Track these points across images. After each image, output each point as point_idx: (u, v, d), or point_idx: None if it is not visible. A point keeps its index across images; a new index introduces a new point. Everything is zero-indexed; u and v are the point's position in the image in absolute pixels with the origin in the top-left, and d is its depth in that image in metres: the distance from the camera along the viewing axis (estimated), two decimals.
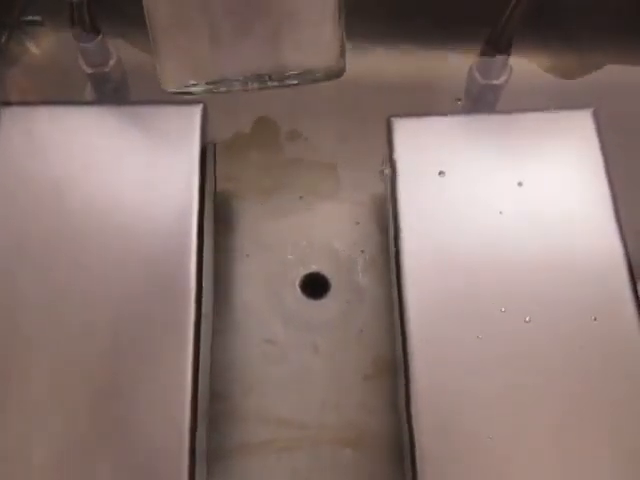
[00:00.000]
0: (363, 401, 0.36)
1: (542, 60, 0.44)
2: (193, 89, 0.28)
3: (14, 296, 0.32)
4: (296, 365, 0.36)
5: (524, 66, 0.43)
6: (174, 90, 0.28)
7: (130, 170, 0.35)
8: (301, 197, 0.41)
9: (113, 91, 0.40)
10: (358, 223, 0.40)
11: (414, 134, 0.36)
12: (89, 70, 0.39)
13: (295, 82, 0.28)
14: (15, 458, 0.29)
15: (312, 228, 0.40)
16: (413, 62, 0.44)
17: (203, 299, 0.33)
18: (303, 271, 0.39)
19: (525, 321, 0.32)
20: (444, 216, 0.34)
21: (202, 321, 0.32)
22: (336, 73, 0.28)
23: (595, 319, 0.32)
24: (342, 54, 0.27)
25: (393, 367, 0.36)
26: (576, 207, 0.34)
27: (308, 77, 0.28)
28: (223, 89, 0.28)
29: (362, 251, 0.39)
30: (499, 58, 0.37)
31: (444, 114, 0.36)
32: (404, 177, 0.35)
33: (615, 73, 0.44)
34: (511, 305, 0.32)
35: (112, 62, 0.39)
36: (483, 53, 0.38)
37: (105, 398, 0.30)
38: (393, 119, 0.36)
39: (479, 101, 0.40)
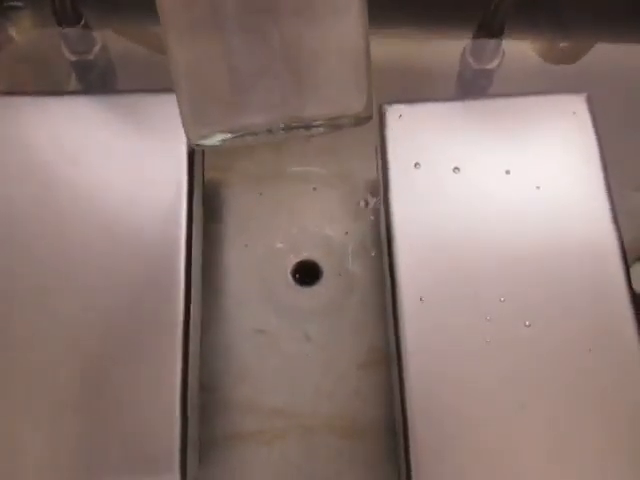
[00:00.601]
0: (356, 389, 0.36)
1: (535, 44, 0.44)
2: (218, 140, 0.26)
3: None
4: (288, 354, 0.36)
5: (517, 50, 0.42)
6: (200, 142, 0.26)
7: (117, 160, 0.34)
8: (292, 184, 0.41)
9: (99, 80, 0.40)
10: (350, 210, 0.40)
11: (407, 120, 0.36)
12: (73, 58, 0.38)
13: (321, 130, 0.27)
14: (4, 450, 0.29)
15: (303, 215, 0.40)
16: (405, 47, 0.43)
17: (192, 288, 0.33)
18: (294, 259, 0.38)
19: (520, 308, 0.32)
20: (437, 202, 0.34)
21: (191, 311, 0.32)
22: (364, 119, 0.26)
23: (589, 304, 0.32)
24: (370, 99, 0.26)
25: (386, 355, 0.36)
26: (569, 191, 0.34)
27: (335, 124, 0.26)
28: (249, 138, 0.27)
29: (354, 238, 0.39)
30: (492, 42, 0.37)
31: (436, 100, 0.36)
32: (396, 163, 0.35)
33: (608, 56, 0.43)
34: (507, 292, 0.32)
35: (96, 49, 0.38)
36: (476, 37, 0.37)
37: (94, 389, 0.30)
38: (385, 105, 0.36)
39: (472, 85, 0.40)
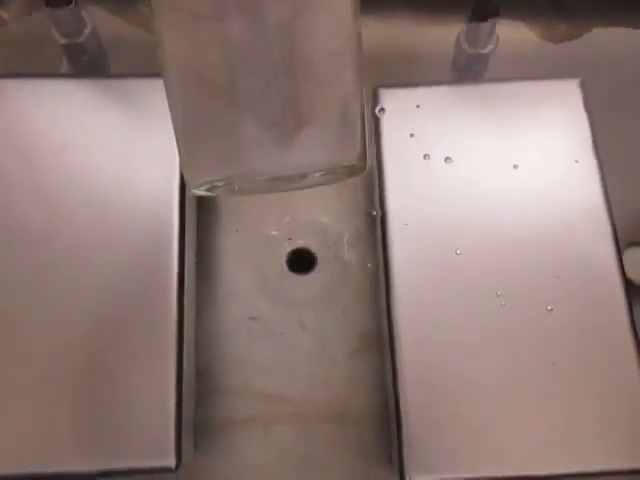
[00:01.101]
0: (349, 376, 0.36)
1: (529, 28, 0.43)
2: (216, 190, 0.27)
3: None
4: (282, 341, 0.36)
5: (511, 35, 0.42)
6: (198, 191, 0.27)
7: (109, 144, 0.34)
8: None
9: (90, 63, 0.39)
10: (344, 197, 0.40)
11: (401, 104, 0.35)
12: (63, 40, 0.37)
13: (318, 182, 0.27)
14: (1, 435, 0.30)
15: (297, 203, 0.39)
16: (400, 31, 0.43)
17: (186, 274, 0.33)
18: (289, 247, 0.38)
19: (514, 293, 0.32)
20: (431, 187, 0.34)
21: (185, 297, 0.32)
22: (359, 170, 0.27)
23: (581, 288, 0.32)
24: (365, 150, 0.26)
25: (380, 342, 0.36)
26: (562, 177, 0.34)
27: (331, 177, 0.27)
28: (247, 187, 0.27)
29: (349, 225, 0.39)
30: (486, 26, 0.37)
31: (431, 84, 0.36)
32: (390, 149, 0.34)
33: (604, 41, 0.43)
34: (500, 278, 0.32)
35: (87, 32, 0.38)
36: (470, 21, 0.37)
37: (90, 376, 0.30)
38: (379, 89, 0.35)
39: (466, 70, 0.39)
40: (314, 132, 0.25)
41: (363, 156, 0.26)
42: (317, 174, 0.26)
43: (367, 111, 0.35)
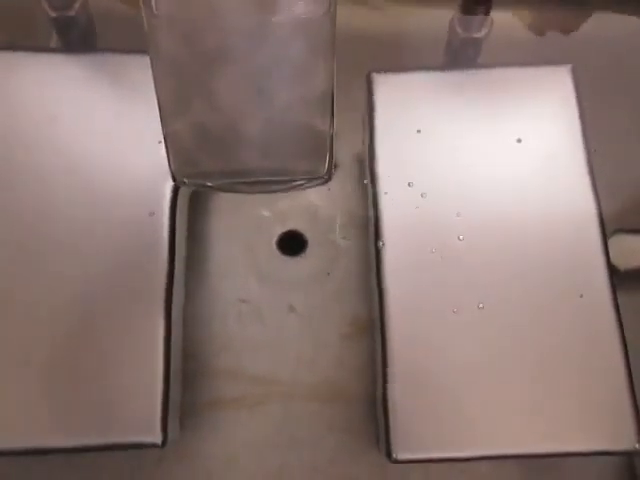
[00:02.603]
0: (338, 358, 0.36)
1: (523, 13, 0.43)
2: (198, 185, 0.32)
3: None
4: (271, 323, 0.36)
5: (506, 20, 0.42)
6: (182, 183, 0.31)
7: (98, 121, 0.34)
8: None
9: (79, 37, 0.39)
10: (337, 180, 0.40)
11: (394, 89, 0.35)
12: (53, 14, 0.37)
13: (279, 187, 0.31)
14: None
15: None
16: (393, 16, 0.43)
17: (176, 254, 0.33)
18: (280, 229, 0.38)
19: (499, 277, 0.32)
20: (424, 172, 0.34)
21: (175, 277, 0.32)
22: (325, 181, 0.30)
23: (566, 275, 0.32)
24: (332, 164, 0.30)
25: (370, 325, 0.36)
26: (550, 163, 0.34)
27: (291, 184, 0.30)
28: (224, 186, 0.31)
29: (340, 209, 0.39)
30: (480, 10, 0.37)
31: (425, 69, 0.36)
32: (383, 133, 0.34)
33: (598, 27, 0.43)
34: (488, 260, 0.32)
35: (77, 5, 0.37)
36: (464, 8, 0.37)
37: (78, 353, 0.30)
38: (373, 74, 0.35)
39: (460, 55, 0.39)
40: (287, 143, 0.28)
41: (329, 167, 0.30)
42: (288, 180, 0.29)
43: (360, 96, 0.35)
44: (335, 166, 0.29)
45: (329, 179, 0.29)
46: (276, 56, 0.25)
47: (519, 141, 0.35)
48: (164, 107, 0.27)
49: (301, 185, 0.30)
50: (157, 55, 0.26)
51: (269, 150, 0.28)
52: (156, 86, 0.26)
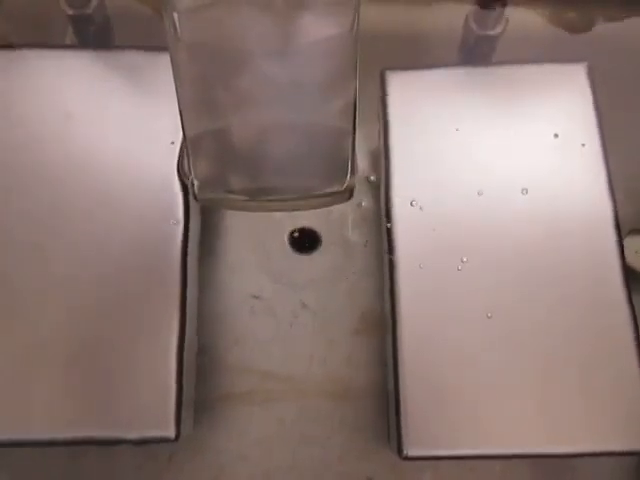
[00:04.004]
0: (349, 355, 0.36)
1: (539, 10, 0.43)
2: (216, 202, 0.31)
3: None
4: (283, 319, 0.36)
5: (521, 17, 0.42)
6: (202, 200, 0.30)
7: (113, 116, 0.34)
8: None
9: (96, 35, 0.39)
10: None
11: (408, 87, 0.35)
12: (70, 11, 0.37)
13: (298, 205, 0.30)
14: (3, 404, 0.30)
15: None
16: (408, 13, 0.43)
17: (189, 251, 0.33)
18: (292, 225, 0.38)
19: (514, 276, 0.32)
20: (437, 168, 0.34)
21: (188, 274, 0.32)
22: (346, 199, 0.29)
23: (581, 274, 0.32)
24: (353, 181, 0.29)
25: (380, 323, 0.36)
26: (566, 162, 0.34)
27: (316, 202, 0.29)
28: (240, 205, 0.30)
29: (353, 206, 0.39)
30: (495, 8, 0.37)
31: (438, 66, 0.36)
32: (398, 130, 0.34)
33: (613, 26, 0.43)
34: (502, 259, 0.32)
35: (94, 3, 0.37)
36: (481, 2, 0.37)
37: (92, 352, 0.31)
38: (387, 71, 0.35)
39: (474, 52, 0.39)
40: (309, 161, 0.27)
41: (350, 186, 0.29)
42: (308, 198, 0.28)
43: (374, 93, 0.35)
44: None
45: (351, 196, 0.29)
46: (300, 74, 0.25)
47: (535, 139, 0.34)
48: (188, 128, 0.27)
49: (322, 203, 0.29)
50: (181, 79, 0.26)
51: (290, 168, 0.28)
52: (181, 109, 0.26)
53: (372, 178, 0.36)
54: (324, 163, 0.28)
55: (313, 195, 0.28)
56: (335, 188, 0.28)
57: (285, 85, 0.25)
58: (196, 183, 0.28)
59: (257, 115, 0.26)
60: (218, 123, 0.27)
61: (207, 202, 0.29)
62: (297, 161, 0.28)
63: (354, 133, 0.27)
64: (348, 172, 0.28)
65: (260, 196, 0.28)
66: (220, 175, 0.28)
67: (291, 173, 0.28)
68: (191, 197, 0.33)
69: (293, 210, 0.30)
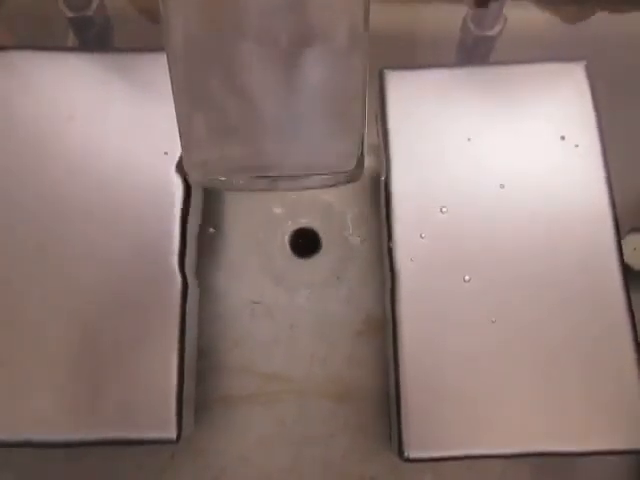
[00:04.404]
0: (350, 356, 0.36)
1: (536, 10, 0.43)
2: (214, 182, 0.27)
3: None
4: (284, 321, 0.36)
5: (519, 17, 0.42)
6: (196, 182, 0.27)
7: (114, 120, 0.34)
8: None
9: (96, 37, 0.39)
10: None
11: (406, 86, 0.35)
12: (70, 14, 0.37)
13: (312, 185, 0.27)
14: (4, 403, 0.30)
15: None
16: (406, 12, 0.43)
17: (189, 253, 0.33)
18: (292, 226, 0.38)
19: (512, 275, 0.32)
20: (436, 168, 0.34)
21: (188, 277, 0.32)
22: (355, 178, 0.27)
23: (580, 274, 0.32)
24: (363, 158, 0.27)
25: (381, 324, 0.36)
26: (564, 160, 0.34)
27: (327, 182, 0.27)
28: (242, 184, 0.27)
29: (353, 206, 0.39)
30: (493, 7, 0.37)
31: (438, 66, 0.36)
32: (396, 130, 0.34)
33: (611, 24, 0.43)
34: (500, 259, 0.32)
35: (94, 5, 0.38)
36: (475, 3, 0.37)
37: (93, 352, 0.31)
38: (385, 71, 0.35)
39: (473, 52, 0.39)
40: (315, 135, 0.25)
41: (360, 163, 0.26)
42: (314, 177, 0.26)
43: (372, 93, 0.35)
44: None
45: (360, 175, 0.27)
46: (306, 38, 0.23)
47: (533, 138, 0.35)
48: (178, 95, 0.25)
49: (328, 182, 0.27)
50: (173, 47, 0.24)
51: (294, 142, 0.26)
52: (171, 73, 0.25)
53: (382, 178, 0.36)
54: (332, 137, 0.26)
55: (322, 172, 0.26)
56: (345, 165, 0.26)
57: (290, 50, 0.23)
58: (190, 163, 0.26)
59: (257, 83, 0.24)
60: (214, 98, 0.25)
61: (202, 184, 0.27)
62: (303, 136, 0.26)
63: (365, 104, 0.26)
64: (358, 147, 0.26)
65: (259, 173, 0.26)
66: (215, 153, 0.26)
67: (294, 148, 0.26)
68: (192, 199, 0.34)
69: (301, 189, 0.28)
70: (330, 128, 0.26)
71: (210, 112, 0.25)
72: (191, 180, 0.27)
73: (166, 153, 0.33)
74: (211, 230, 0.33)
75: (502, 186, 0.34)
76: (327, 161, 0.26)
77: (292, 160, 0.26)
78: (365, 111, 0.26)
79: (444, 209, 0.33)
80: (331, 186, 0.27)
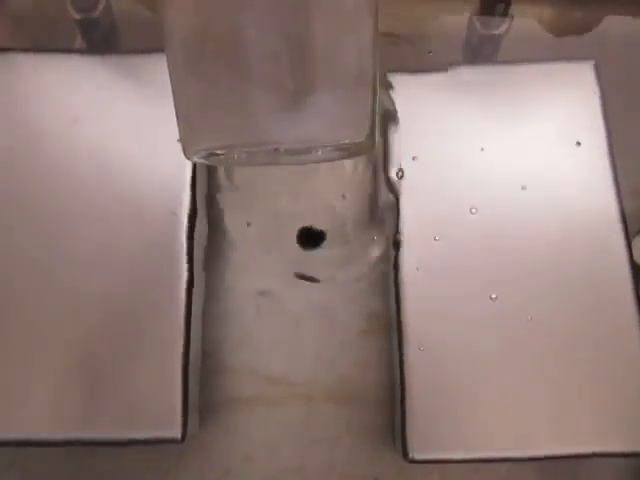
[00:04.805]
0: (356, 357, 0.36)
1: (544, 9, 0.43)
2: (214, 159, 0.26)
3: None
4: (289, 322, 0.36)
5: (526, 16, 0.41)
6: (194, 157, 0.26)
7: (120, 122, 0.34)
8: None
9: (102, 39, 0.39)
10: (355, 177, 0.40)
11: (410, 89, 0.35)
12: (77, 15, 0.38)
13: (321, 158, 0.25)
14: (9, 406, 0.30)
15: (307, 179, 0.39)
16: (410, 11, 0.43)
17: (195, 252, 0.33)
18: (298, 224, 0.38)
19: (520, 276, 0.32)
20: (441, 170, 0.34)
21: (195, 277, 0.32)
22: (367, 149, 0.25)
23: (589, 274, 0.32)
24: (374, 129, 0.25)
25: (387, 324, 0.36)
26: (572, 161, 0.34)
27: (336, 154, 0.25)
28: (246, 158, 0.25)
29: (359, 205, 0.39)
30: (500, 7, 0.36)
31: (443, 69, 0.36)
32: (400, 134, 0.34)
33: (619, 26, 0.42)
34: (506, 260, 0.32)
35: (100, 7, 0.38)
36: (483, 8, 0.37)
37: (98, 354, 0.31)
38: (389, 74, 0.35)
39: (478, 51, 0.39)
40: (321, 104, 0.23)
41: (372, 134, 0.25)
42: (321, 150, 0.25)
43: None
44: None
45: (372, 147, 0.25)
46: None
47: (541, 139, 0.34)
48: (174, 63, 0.24)
49: (333, 156, 0.25)
50: (170, 20, 0.23)
51: (298, 113, 0.23)
52: (165, 39, 0.24)
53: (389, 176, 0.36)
54: (340, 105, 0.24)
55: (326, 145, 0.24)
56: (354, 136, 0.24)
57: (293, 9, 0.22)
58: (184, 135, 0.25)
59: (255, 47, 0.23)
60: (211, 71, 0.24)
61: (201, 159, 0.25)
62: (308, 105, 0.23)
63: (376, 69, 0.24)
64: (369, 117, 0.24)
65: (262, 146, 0.24)
66: (213, 124, 0.24)
67: (300, 120, 0.24)
68: (198, 199, 0.34)
69: (304, 163, 0.26)
70: (337, 96, 0.24)
71: (208, 85, 0.24)
72: (189, 156, 0.25)
73: (172, 153, 0.33)
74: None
75: (508, 184, 0.33)
76: (334, 133, 0.24)
77: (295, 132, 0.24)
78: (377, 76, 0.24)
79: (451, 209, 0.33)
80: (338, 159, 0.25)
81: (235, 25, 0.23)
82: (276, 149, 0.24)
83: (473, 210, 0.33)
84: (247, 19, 0.22)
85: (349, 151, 0.25)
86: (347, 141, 0.24)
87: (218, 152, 0.25)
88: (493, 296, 0.32)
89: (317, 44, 0.23)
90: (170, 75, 0.24)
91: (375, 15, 0.24)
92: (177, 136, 0.33)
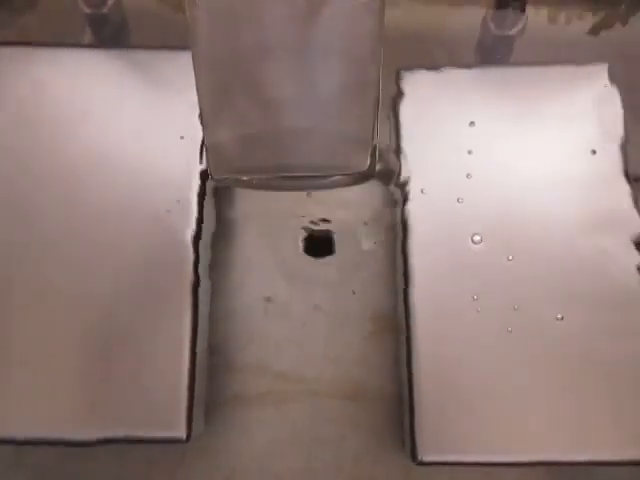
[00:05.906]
0: (362, 356, 0.36)
1: (558, 10, 0.43)
2: (235, 182, 0.28)
3: (9, 233, 0.32)
4: (297, 321, 0.36)
5: (540, 18, 0.41)
6: (219, 179, 0.28)
7: (129, 117, 0.34)
8: None
9: (112, 34, 0.39)
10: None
11: (423, 87, 0.35)
12: (87, 10, 0.38)
13: (324, 186, 0.28)
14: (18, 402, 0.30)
15: None
16: (425, 12, 0.42)
17: (202, 252, 0.33)
18: (306, 227, 0.38)
19: (530, 281, 0.32)
20: (451, 169, 0.34)
21: (201, 274, 0.32)
22: (367, 178, 0.27)
23: (600, 280, 0.32)
24: (375, 160, 0.27)
25: (394, 325, 0.36)
26: (587, 163, 0.34)
27: (339, 182, 0.27)
28: (258, 183, 0.28)
29: (367, 207, 0.39)
30: (514, 6, 0.36)
31: (456, 66, 0.35)
32: (411, 131, 0.34)
33: (633, 27, 0.42)
34: (514, 253, 0.32)
35: (110, 2, 0.38)
36: (498, 3, 0.36)
37: (104, 352, 0.31)
38: (402, 71, 0.35)
39: (492, 52, 0.39)
40: (329, 137, 0.26)
41: (373, 165, 0.27)
42: (327, 178, 0.27)
43: (388, 93, 0.35)
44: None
45: (372, 176, 0.27)
46: (322, 44, 0.24)
47: (555, 140, 0.34)
48: (204, 102, 0.26)
49: (342, 182, 0.28)
50: (199, 47, 0.25)
51: (310, 144, 0.27)
52: (197, 79, 0.26)
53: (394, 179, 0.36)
54: (345, 140, 0.27)
55: (333, 174, 0.27)
56: (357, 167, 0.27)
57: (307, 55, 0.25)
58: (212, 161, 0.27)
59: (277, 89, 0.25)
60: (235, 97, 0.26)
61: (224, 182, 0.28)
62: (317, 138, 0.26)
63: (377, 110, 0.26)
64: (369, 150, 0.27)
65: (276, 174, 0.27)
66: (237, 153, 0.27)
67: (310, 150, 0.27)
68: (206, 195, 0.33)
69: (313, 189, 0.29)
70: (343, 131, 0.27)
71: (233, 114, 0.26)
72: (214, 179, 0.28)
73: (181, 149, 0.33)
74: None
75: (520, 187, 0.33)
76: (340, 162, 0.27)
77: (309, 160, 0.27)
78: (377, 114, 0.26)
79: (460, 209, 0.33)
80: (344, 186, 0.28)
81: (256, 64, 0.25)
82: (284, 177, 0.27)
83: (485, 211, 0.33)
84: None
85: (352, 180, 0.27)
86: (353, 167, 0.27)
87: (242, 177, 0.27)
88: (504, 299, 0.31)
89: (329, 80, 0.25)
90: (201, 109, 0.26)
91: (380, 49, 0.25)
92: (184, 133, 0.33)
